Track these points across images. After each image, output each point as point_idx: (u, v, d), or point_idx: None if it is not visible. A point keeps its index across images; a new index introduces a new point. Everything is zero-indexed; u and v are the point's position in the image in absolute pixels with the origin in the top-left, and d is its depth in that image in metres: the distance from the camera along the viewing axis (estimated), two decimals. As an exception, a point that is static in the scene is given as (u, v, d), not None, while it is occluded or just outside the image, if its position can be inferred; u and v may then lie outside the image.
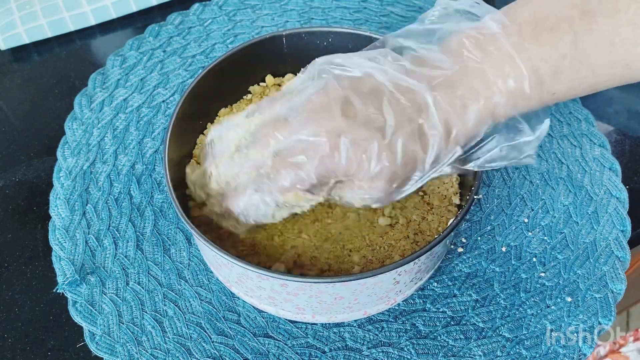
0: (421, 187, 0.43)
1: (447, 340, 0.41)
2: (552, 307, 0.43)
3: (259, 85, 0.49)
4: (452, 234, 0.38)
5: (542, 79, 0.33)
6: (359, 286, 0.36)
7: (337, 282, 0.34)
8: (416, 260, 0.36)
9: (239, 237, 0.40)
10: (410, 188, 0.35)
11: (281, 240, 0.40)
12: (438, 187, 0.43)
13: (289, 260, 0.39)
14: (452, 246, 0.45)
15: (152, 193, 0.48)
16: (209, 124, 0.46)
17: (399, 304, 0.43)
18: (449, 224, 0.36)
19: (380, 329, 0.42)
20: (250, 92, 0.49)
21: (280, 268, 0.39)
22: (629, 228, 0.46)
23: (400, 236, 0.41)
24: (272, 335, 0.42)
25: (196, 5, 0.61)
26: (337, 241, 0.40)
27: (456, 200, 0.42)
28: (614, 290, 0.43)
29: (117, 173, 0.49)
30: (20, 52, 0.59)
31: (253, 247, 0.40)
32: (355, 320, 0.42)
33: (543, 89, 0.33)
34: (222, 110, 0.47)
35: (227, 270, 0.38)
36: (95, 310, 0.42)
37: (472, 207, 0.47)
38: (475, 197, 0.37)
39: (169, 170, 0.38)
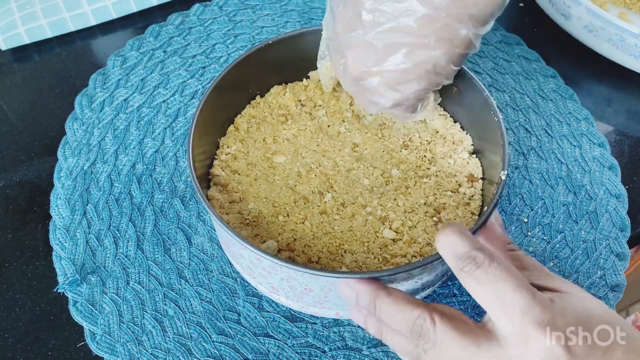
0: (437, 212, 0.41)
1: (447, 339, 0.41)
2: (552, 306, 0.43)
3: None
4: (436, 267, 0.35)
5: None
6: (327, 284, 0.35)
7: (305, 273, 0.34)
8: (387, 280, 0.34)
9: (246, 206, 0.41)
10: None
11: (284, 221, 0.40)
12: (454, 218, 0.41)
13: (283, 241, 0.39)
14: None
15: (152, 193, 0.48)
16: (256, 97, 0.47)
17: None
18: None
19: (380, 329, 0.42)
20: (309, 77, 0.49)
21: (272, 246, 0.39)
22: (629, 227, 0.46)
23: (399, 253, 0.39)
24: (272, 334, 0.42)
25: (196, 6, 0.61)
26: (335, 238, 0.40)
27: None
28: (614, 289, 0.44)
29: (117, 173, 0.49)
30: (20, 52, 0.59)
31: (257, 219, 0.41)
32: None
33: None
34: (275, 87, 0.48)
35: (219, 230, 0.40)
36: (96, 309, 0.42)
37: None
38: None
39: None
